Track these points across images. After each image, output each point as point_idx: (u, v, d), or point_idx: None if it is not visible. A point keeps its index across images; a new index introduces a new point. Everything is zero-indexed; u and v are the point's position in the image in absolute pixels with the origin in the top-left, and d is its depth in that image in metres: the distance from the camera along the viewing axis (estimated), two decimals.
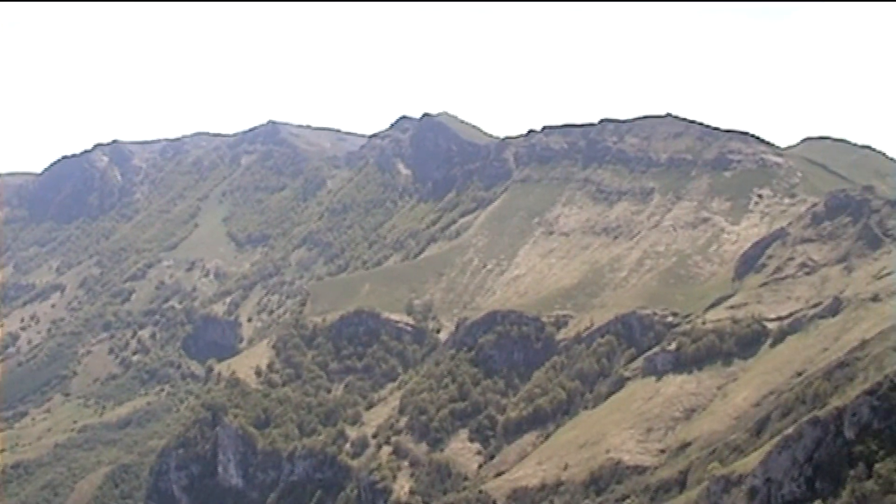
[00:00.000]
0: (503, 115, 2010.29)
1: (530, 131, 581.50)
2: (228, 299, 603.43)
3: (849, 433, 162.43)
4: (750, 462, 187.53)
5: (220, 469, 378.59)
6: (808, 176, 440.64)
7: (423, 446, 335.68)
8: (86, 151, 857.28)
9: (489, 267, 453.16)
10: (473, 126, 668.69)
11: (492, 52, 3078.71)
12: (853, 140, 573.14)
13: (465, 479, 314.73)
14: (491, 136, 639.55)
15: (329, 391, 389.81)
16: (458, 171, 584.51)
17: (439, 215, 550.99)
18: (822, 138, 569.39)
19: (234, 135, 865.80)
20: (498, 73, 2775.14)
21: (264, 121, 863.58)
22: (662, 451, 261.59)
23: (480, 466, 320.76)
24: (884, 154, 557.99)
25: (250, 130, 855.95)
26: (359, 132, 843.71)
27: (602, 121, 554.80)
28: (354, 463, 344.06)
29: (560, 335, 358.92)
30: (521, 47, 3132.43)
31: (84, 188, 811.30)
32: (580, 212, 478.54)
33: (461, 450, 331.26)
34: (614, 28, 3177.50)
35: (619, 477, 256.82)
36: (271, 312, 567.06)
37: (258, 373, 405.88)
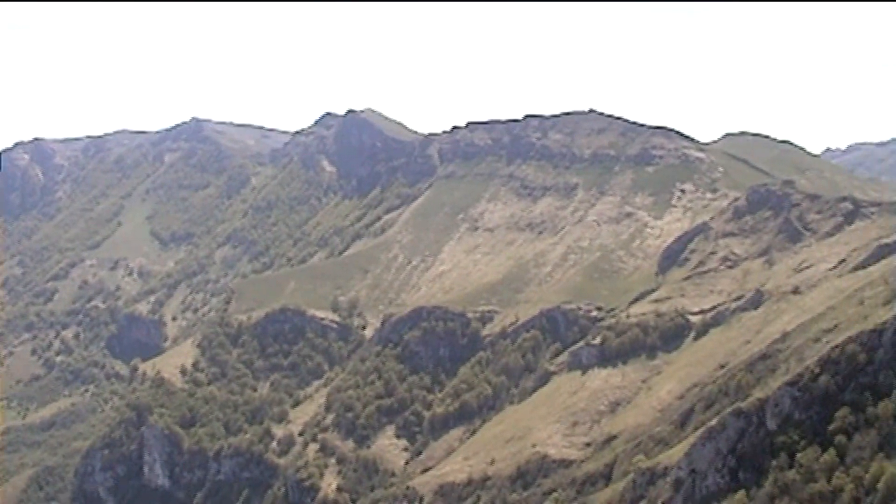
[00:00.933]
0: (427, 112, 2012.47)
1: (454, 127, 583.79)
2: (153, 298, 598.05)
3: (771, 424, 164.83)
4: (674, 454, 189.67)
5: (145, 469, 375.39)
6: (730, 171, 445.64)
7: (350, 443, 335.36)
8: (6, 150, 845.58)
9: (414, 263, 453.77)
10: (398, 122, 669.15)
11: (416, 48, 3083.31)
12: (774, 135, 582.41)
13: (393, 475, 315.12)
14: (415, 132, 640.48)
15: (255, 389, 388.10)
16: (383, 168, 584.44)
17: (364, 212, 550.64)
18: (743, 134, 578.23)
19: (158, 132, 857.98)
20: (422, 70, 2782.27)
21: (188, 118, 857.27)
22: (588, 445, 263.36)
23: (407, 462, 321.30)
24: (803, 149, 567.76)
25: (174, 128, 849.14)
26: (283, 129, 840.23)
27: (526, 117, 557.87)
28: (281, 461, 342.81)
29: (485, 330, 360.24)
30: (444, 44, 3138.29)
31: (5, 187, 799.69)
32: (504, 207, 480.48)
33: (388, 446, 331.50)
34: (538, 24, 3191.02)
35: (545, 471, 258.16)
36: (196, 311, 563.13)
37: (183, 372, 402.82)
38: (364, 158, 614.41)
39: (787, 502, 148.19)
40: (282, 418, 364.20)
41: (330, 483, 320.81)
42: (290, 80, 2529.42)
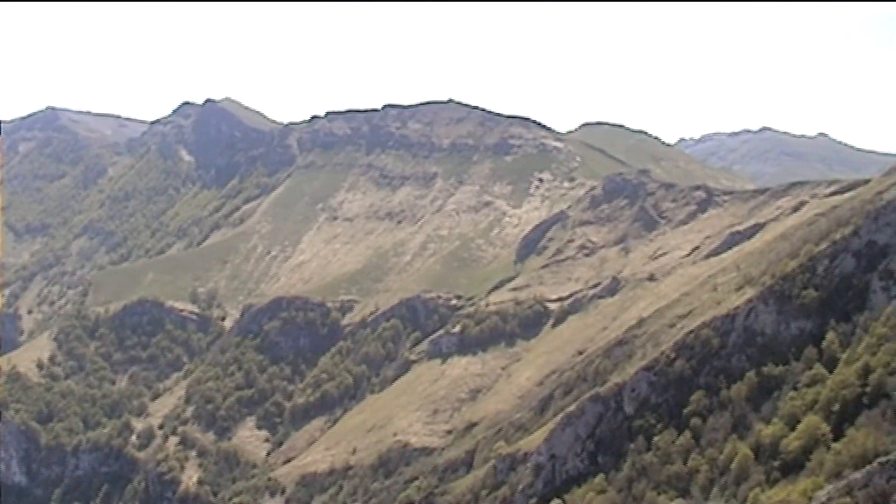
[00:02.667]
0: (287, 101, 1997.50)
1: (314, 117, 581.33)
2: (7, 291, 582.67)
3: (628, 408, 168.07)
4: (534, 440, 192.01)
5: (1, 467, 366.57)
6: (587, 160, 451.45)
7: (211, 435, 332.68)
8: None
9: (273, 253, 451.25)
10: (257, 112, 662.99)
11: (275, 37, 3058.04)
12: (629, 125, 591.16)
13: (254, 467, 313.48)
14: (274, 121, 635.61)
15: (113, 383, 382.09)
16: (242, 158, 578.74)
17: (223, 202, 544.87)
18: (600, 124, 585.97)
19: (12, 121, 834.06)
20: (281, 59, 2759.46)
21: (43, 107, 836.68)
22: (449, 432, 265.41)
23: (269, 454, 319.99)
24: (658, 139, 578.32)
25: (28, 117, 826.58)
26: (140, 118, 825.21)
27: (385, 106, 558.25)
28: (141, 455, 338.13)
29: (345, 320, 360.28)
30: (303, 33, 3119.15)
31: None
32: (364, 197, 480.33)
33: (249, 438, 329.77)
34: (396, 14, 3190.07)
35: (407, 459, 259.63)
36: (52, 304, 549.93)
37: (40, 366, 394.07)
38: (223, 148, 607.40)
39: (644, 484, 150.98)
40: (141, 411, 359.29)
41: (191, 476, 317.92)
42: (148, 70, 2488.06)
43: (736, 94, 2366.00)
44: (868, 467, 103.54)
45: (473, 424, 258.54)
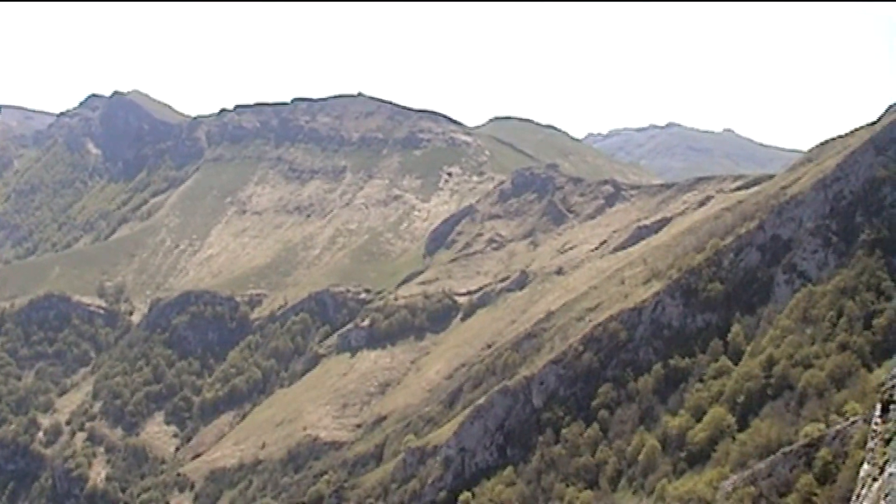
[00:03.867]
0: (196, 94, 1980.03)
1: (223, 110, 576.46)
2: None
3: (537, 401, 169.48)
4: (444, 433, 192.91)
5: None
6: (496, 154, 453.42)
7: (119, 431, 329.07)
8: None
9: (182, 247, 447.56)
10: (165, 104, 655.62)
11: (182, 29, 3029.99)
12: (538, 120, 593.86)
13: (163, 462, 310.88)
14: (183, 114, 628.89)
15: (19, 378, 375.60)
16: (150, 151, 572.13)
17: (130, 195, 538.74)
18: (509, 118, 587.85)
19: None
20: (190, 51, 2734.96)
21: None
22: (358, 426, 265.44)
23: (178, 449, 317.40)
24: (567, 134, 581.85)
25: None
26: (47, 111, 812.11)
27: (294, 100, 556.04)
28: (48, 451, 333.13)
29: (254, 314, 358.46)
30: (211, 25, 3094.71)
31: None
32: (273, 191, 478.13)
33: (157, 433, 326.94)
34: (306, 6, 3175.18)
35: (316, 453, 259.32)
36: None
37: None
38: (131, 141, 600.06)
39: (553, 477, 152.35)
40: (48, 407, 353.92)
41: (99, 472, 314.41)
42: (55, 61, 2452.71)
43: (643, 89, 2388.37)
44: (772, 457, 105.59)
45: (383, 418, 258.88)
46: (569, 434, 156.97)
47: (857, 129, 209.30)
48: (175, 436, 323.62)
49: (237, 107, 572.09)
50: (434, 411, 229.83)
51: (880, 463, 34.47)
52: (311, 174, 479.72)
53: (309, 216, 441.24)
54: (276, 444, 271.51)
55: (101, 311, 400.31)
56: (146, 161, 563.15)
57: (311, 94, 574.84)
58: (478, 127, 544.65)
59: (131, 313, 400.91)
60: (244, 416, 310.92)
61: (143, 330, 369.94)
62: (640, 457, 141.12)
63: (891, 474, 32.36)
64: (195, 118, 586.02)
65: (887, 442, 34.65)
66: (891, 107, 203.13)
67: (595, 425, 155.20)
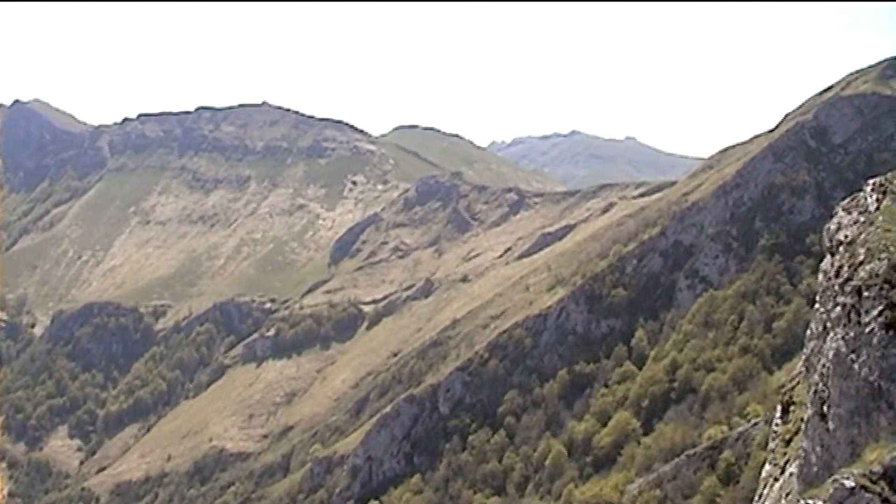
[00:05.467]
0: (97, 102, 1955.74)
1: (125, 119, 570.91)
2: None
3: (443, 408, 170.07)
4: (351, 442, 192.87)
5: None
6: (400, 163, 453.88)
7: (22, 446, 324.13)
8: None
9: (85, 258, 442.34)
10: (67, 113, 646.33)
11: (83, 37, 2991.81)
12: (443, 128, 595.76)
13: (67, 476, 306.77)
14: (85, 123, 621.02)
15: None
16: (52, 160, 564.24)
17: (32, 206, 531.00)
18: (413, 127, 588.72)
19: None
20: (91, 60, 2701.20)
21: None
22: (265, 437, 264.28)
23: (82, 463, 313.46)
24: (471, 142, 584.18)
25: None
26: None
27: (198, 108, 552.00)
28: None
29: (159, 325, 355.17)
30: (111, 33, 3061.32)
31: None
32: (177, 200, 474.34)
33: (61, 447, 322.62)
34: (208, 13, 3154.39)
35: (223, 464, 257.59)
36: None
37: None
38: (32, 150, 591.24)
39: (460, 484, 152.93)
40: None
41: (1, 489, 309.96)
42: None
43: (546, 98, 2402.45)
44: (676, 460, 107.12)
45: (289, 428, 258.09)
46: (475, 441, 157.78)
47: (755, 137, 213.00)
48: (79, 450, 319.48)
49: (140, 115, 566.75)
50: (340, 420, 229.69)
51: (781, 463, 35.37)
52: (215, 183, 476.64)
53: (213, 226, 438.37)
54: (181, 456, 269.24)
55: (3, 324, 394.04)
56: (48, 171, 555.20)
57: (215, 103, 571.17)
58: (382, 135, 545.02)
59: (33, 326, 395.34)
60: (149, 429, 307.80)
61: (46, 342, 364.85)
62: (547, 462, 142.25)
63: (791, 474, 33.24)
64: (98, 127, 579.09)
65: (788, 442, 35.57)
66: (788, 114, 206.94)
67: (501, 432, 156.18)
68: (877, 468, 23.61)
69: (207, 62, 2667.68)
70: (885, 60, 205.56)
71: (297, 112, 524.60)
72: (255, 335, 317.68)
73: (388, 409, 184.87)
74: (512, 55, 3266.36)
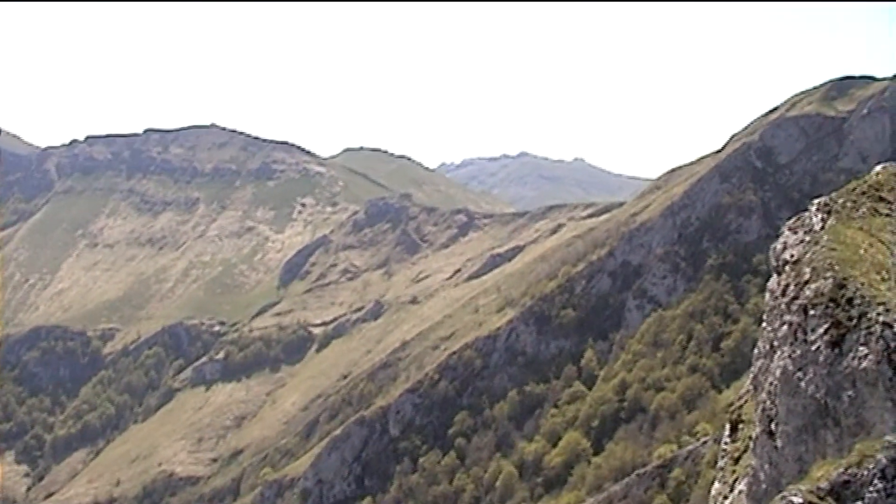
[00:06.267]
0: (45, 124, 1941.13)
1: (73, 141, 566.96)
2: None
3: (394, 430, 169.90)
4: (301, 465, 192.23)
5: None
6: (350, 185, 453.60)
7: None
8: None
9: (32, 281, 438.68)
10: (14, 135, 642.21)
11: (32, 56, 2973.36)
12: (392, 150, 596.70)
13: (14, 502, 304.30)
14: (32, 145, 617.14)
15: None
16: None
17: None
18: (362, 149, 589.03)
19: None
20: (38, 79, 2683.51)
21: None
22: (215, 461, 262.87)
23: (29, 489, 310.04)
24: (420, 164, 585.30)
25: None
26: None
27: (147, 131, 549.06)
28: None
29: (107, 349, 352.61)
30: (59, 54, 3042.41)
31: None
32: (125, 223, 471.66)
33: (8, 473, 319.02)
34: (156, 35, 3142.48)
35: (172, 489, 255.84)
36: None
37: None
38: None
39: None
40: None
41: None
42: None
43: (495, 119, 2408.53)
44: (626, 479, 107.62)
45: (239, 451, 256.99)
46: (426, 462, 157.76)
47: (703, 158, 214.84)
48: (27, 475, 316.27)
49: (88, 137, 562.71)
50: (291, 443, 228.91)
51: (730, 481, 35.67)
52: (163, 206, 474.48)
53: (162, 248, 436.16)
54: (130, 480, 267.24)
55: None
56: None
57: (164, 125, 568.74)
58: (331, 157, 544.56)
59: None
60: (98, 453, 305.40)
61: None
62: (498, 483, 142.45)
63: (740, 492, 33.56)
64: (45, 149, 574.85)
65: (737, 460, 35.90)
66: (734, 135, 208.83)
67: (452, 453, 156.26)
68: (824, 484, 23.94)
69: (156, 84, 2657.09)
70: (829, 82, 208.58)
71: (245, 134, 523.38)
72: (205, 358, 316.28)
73: (338, 431, 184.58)
74: (461, 77, 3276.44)
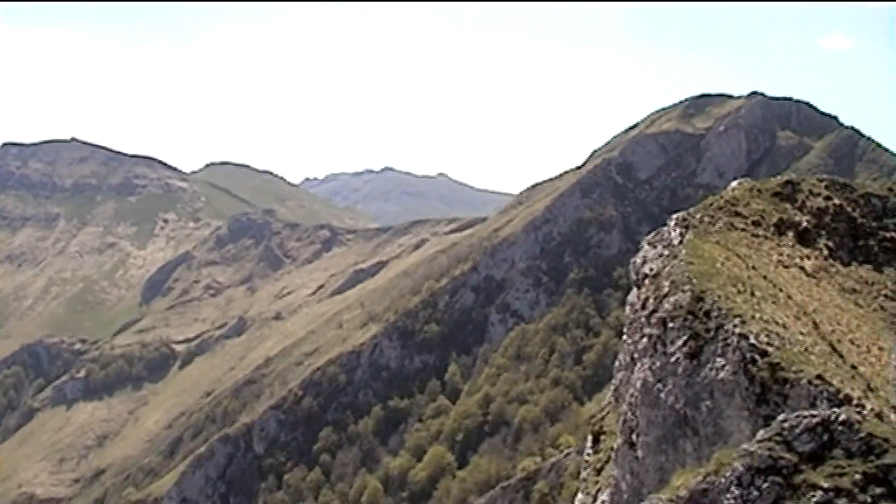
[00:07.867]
0: None
1: None
2: None
3: (258, 447, 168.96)
4: (165, 483, 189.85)
5: None
6: (213, 200, 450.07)
7: None
8: None
9: None
10: None
11: None
12: (255, 165, 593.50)
13: None
14: None
15: None
16: None
17: None
18: (225, 164, 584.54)
19: None
20: None
21: None
22: (76, 481, 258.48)
23: None
24: (284, 179, 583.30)
25: None
26: None
27: (5, 144, 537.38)
28: None
29: None
30: None
31: None
32: None
33: None
34: (13, 46, 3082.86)
35: None
36: None
37: None
38: None
39: None
40: None
41: None
42: None
43: (359, 134, 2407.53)
44: (491, 492, 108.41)
45: (102, 471, 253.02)
46: (291, 479, 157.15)
47: (564, 173, 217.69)
48: None
49: None
50: (154, 462, 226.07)
51: (593, 492, 36.30)
52: (22, 222, 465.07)
53: (20, 265, 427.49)
54: None
55: None
56: None
57: (22, 139, 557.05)
58: (194, 172, 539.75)
59: None
60: None
61: None
62: (363, 499, 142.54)
63: (603, 502, 34.15)
64: None
65: (599, 471, 36.56)
66: (595, 151, 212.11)
67: (317, 469, 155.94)
68: (683, 493, 24.46)
69: (13, 96, 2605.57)
70: (687, 100, 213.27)
71: (107, 148, 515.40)
72: (65, 377, 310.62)
73: (202, 449, 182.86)
74: (324, 91, 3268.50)
